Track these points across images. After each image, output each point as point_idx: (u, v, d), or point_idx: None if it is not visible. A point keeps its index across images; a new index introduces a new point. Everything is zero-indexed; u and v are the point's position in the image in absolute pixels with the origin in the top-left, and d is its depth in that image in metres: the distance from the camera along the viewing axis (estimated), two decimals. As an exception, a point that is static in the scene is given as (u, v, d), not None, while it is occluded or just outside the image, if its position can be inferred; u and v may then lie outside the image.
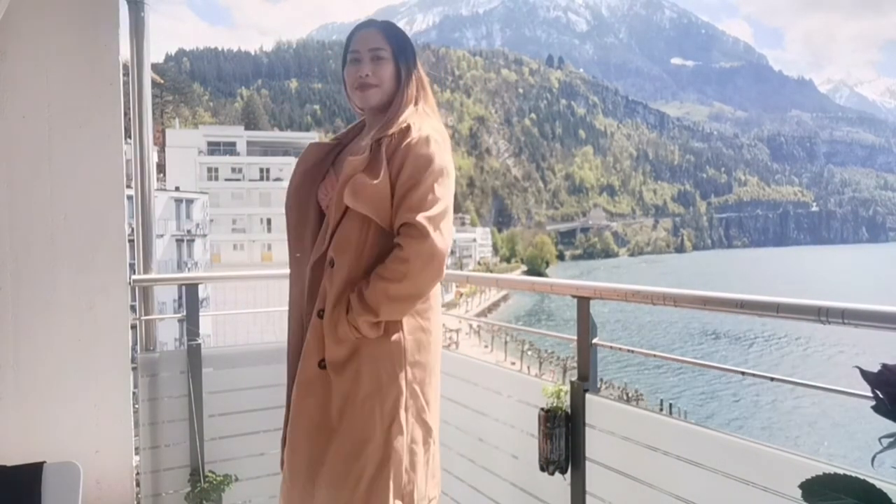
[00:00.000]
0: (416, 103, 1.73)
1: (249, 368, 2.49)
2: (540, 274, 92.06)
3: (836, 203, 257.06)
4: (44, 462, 1.96)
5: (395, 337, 1.63)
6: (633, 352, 2.03)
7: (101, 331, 2.26)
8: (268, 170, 44.70)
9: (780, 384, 1.58)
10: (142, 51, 2.42)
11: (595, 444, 1.89)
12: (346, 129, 1.90)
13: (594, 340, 1.92)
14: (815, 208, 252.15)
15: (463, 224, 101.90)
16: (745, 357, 40.32)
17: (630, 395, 28.64)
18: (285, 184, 1.87)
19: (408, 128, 1.63)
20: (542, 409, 1.94)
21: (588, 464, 1.89)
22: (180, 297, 3.02)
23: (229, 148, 46.92)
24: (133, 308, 2.36)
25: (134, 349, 2.40)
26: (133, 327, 2.37)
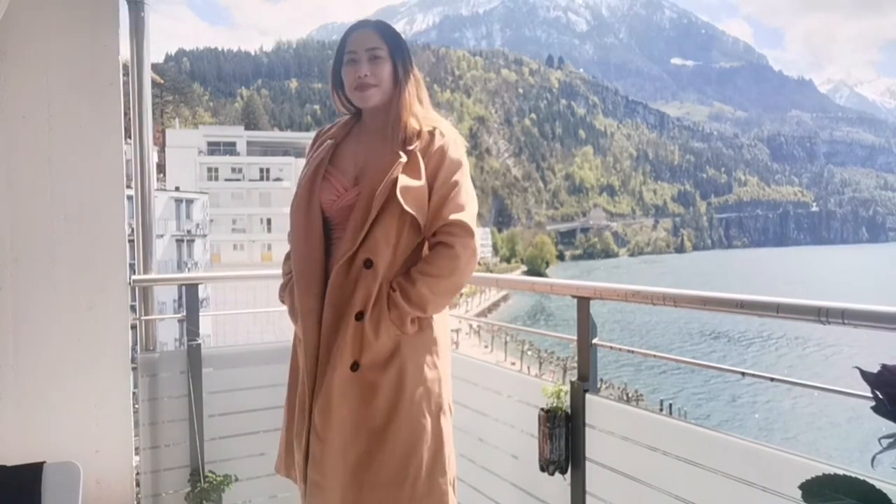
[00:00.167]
0: (420, 102, 1.76)
1: (249, 368, 2.49)
2: (540, 274, 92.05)
3: (836, 203, 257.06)
4: (44, 462, 1.96)
5: (428, 329, 1.71)
6: (633, 352, 2.03)
7: (101, 331, 2.26)
8: (268, 170, 44.71)
9: (777, 384, 1.58)
10: (142, 51, 2.42)
11: (595, 444, 1.89)
12: (336, 126, 1.85)
13: (594, 340, 1.92)
14: (815, 208, 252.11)
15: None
16: (744, 357, 40.34)
17: (630, 395, 28.66)
18: (285, 184, 1.87)
19: (436, 130, 1.70)
20: (542, 409, 1.95)
21: (588, 464, 1.90)
22: (180, 298, 3.03)
23: (229, 148, 46.93)
24: (133, 308, 2.36)
25: (134, 349, 2.40)
26: (133, 327, 2.37)
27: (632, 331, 49.48)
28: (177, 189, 34.68)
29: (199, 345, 2.38)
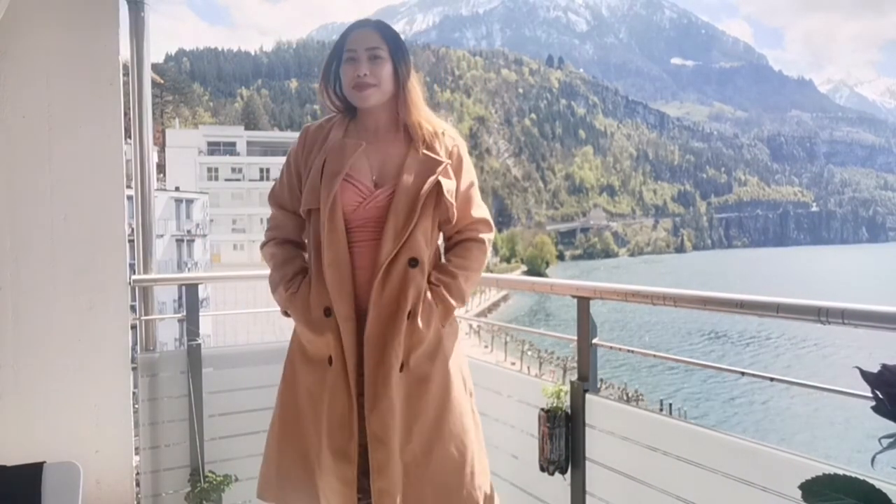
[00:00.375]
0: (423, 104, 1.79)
1: (249, 368, 2.48)
2: (540, 274, 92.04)
3: (836, 203, 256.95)
4: (44, 462, 1.96)
5: (453, 322, 1.80)
6: (633, 352, 2.03)
7: (101, 331, 2.26)
8: (268, 170, 44.74)
9: (775, 383, 1.58)
10: (142, 51, 2.42)
11: (595, 444, 1.89)
12: (332, 125, 1.79)
13: (594, 340, 1.93)
14: (815, 208, 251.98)
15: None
16: (742, 356, 40.34)
17: (630, 395, 28.66)
18: (286, 184, 1.84)
19: (445, 132, 1.78)
20: (542, 409, 1.95)
21: (588, 464, 1.90)
22: (180, 297, 3.03)
23: (229, 148, 46.98)
24: (133, 308, 2.36)
25: (134, 349, 2.40)
26: (133, 327, 2.38)
27: (630, 330, 49.50)
28: (177, 189, 34.71)
29: (199, 345, 2.38)
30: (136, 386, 2.37)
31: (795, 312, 1.40)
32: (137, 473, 2.36)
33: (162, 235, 29.07)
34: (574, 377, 1.98)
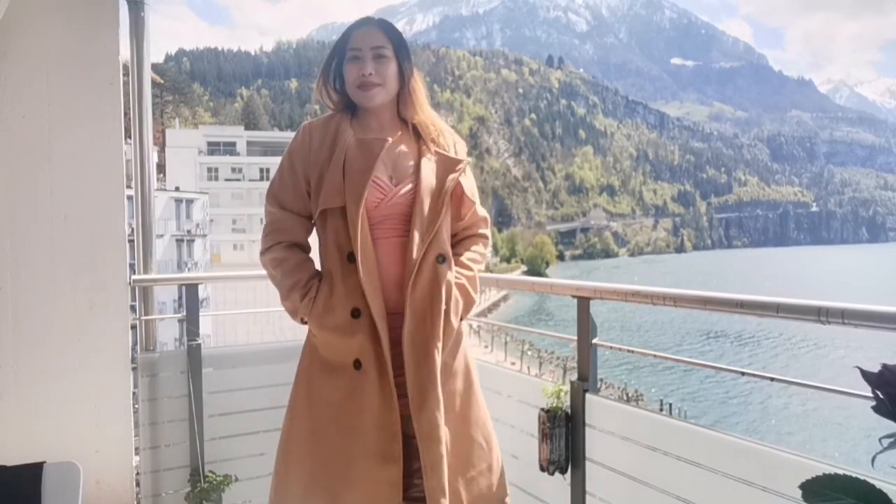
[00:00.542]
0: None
1: (249, 368, 2.48)
2: (540, 274, 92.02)
3: (836, 203, 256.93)
4: (44, 462, 1.96)
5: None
6: (632, 351, 2.03)
7: (101, 331, 2.26)
8: (268, 170, 44.71)
9: (772, 383, 1.58)
10: (142, 51, 2.42)
11: (595, 444, 1.89)
12: (336, 123, 1.74)
13: (594, 340, 1.92)
14: (815, 208, 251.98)
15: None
16: (740, 356, 40.37)
17: (630, 395, 28.66)
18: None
19: (446, 131, 1.80)
20: (543, 409, 1.95)
21: (588, 464, 1.90)
22: (180, 298, 3.03)
23: (229, 148, 46.97)
24: (133, 308, 2.36)
25: (134, 349, 2.40)
26: (133, 327, 2.37)
27: (630, 330, 49.50)
28: (177, 189, 34.70)
29: (199, 345, 2.38)
30: (136, 386, 2.37)
31: (795, 312, 1.39)
32: (137, 473, 2.36)
33: (162, 235, 29.08)
34: (574, 377, 1.98)
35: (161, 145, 41.21)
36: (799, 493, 0.93)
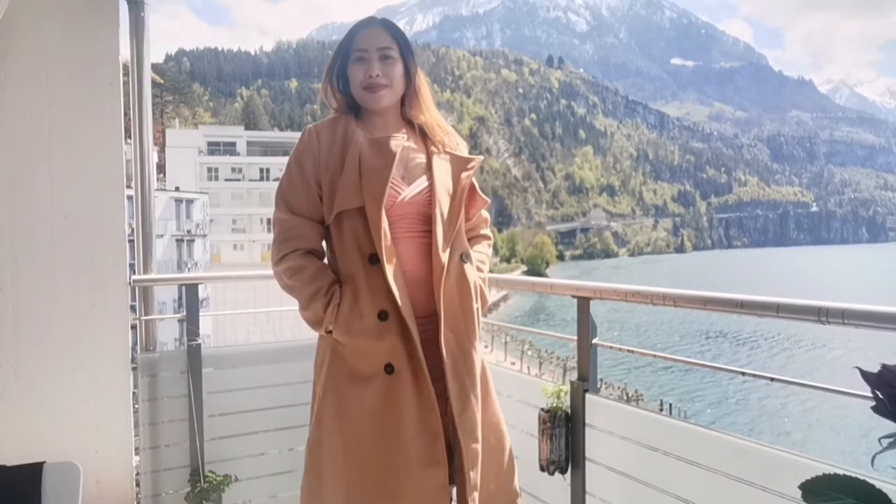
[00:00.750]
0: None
1: (249, 368, 2.48)
2: (540, 274, 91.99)
3: (836, 203, 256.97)
4: (44, 462, 1.96)
5: None
6: (632, 352, 2.03)
7: (101, 331, 2.26)
8: (268, 170, 44.75)
9: (770, 383, 1.58)
10: (142, 51, 2.42)
11: (595, 444, 1.89)
12: (342, 125, 1.70)
13: (594, 340, 1.92)
14: (815, 208, 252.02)
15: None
16: (739, 356, 40.41)
17: (630, 395, 28.65)
18: (286, 184, 1.79)
19: (454, 135, 1.81)
20: (543, 409, 1.95)
21: (588, 464, 1.90)
22: (180, 298, 3.03)
23: (229, 148, 46.97)
24: (133, 308, 2.36)
25: (134, 349, 2.40)
26: (133, 327, 2.37)
27: (629, 330, 49.52)
28: (177, 189, 34.71)
29: (199, 345, 2.38)
30: (136, 386, 2.36)
31: (795, 312, 1.39)
32: (137, 473, 2.36)
33: (162, 235, 29.08)
34: (574, 377, 1.98)
35: (161, 145, 41.22)
36: (799, 492, 0.93)
